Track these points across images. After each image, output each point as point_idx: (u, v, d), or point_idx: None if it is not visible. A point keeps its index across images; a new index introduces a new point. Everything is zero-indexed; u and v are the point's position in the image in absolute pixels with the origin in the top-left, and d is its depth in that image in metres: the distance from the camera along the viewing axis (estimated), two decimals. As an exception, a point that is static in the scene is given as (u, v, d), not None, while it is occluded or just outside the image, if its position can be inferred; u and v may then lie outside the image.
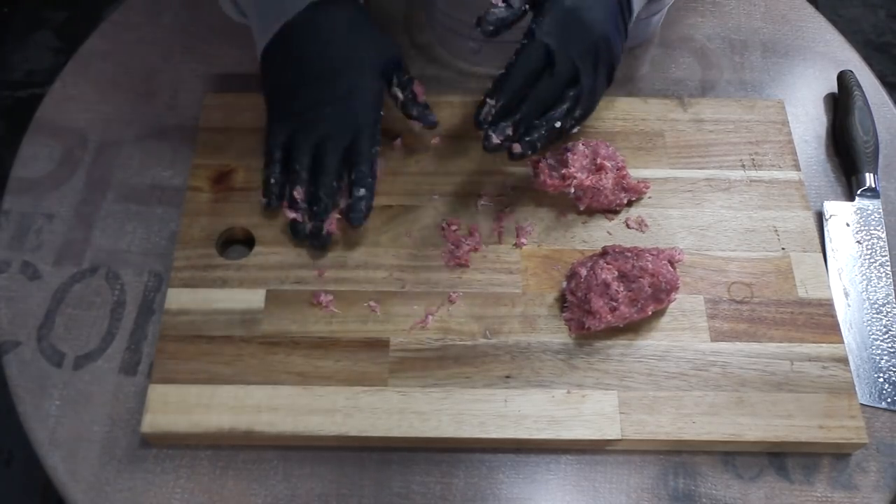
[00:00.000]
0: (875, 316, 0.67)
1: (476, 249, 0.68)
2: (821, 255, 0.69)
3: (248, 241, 0.68)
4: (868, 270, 0.69)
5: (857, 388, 0.62)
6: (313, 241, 0.66)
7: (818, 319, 0.65)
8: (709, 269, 0.67)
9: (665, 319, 0.65)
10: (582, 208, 0.70)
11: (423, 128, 0.70)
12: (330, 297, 0.64)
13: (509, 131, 0.63)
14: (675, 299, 0.64)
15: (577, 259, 0.66)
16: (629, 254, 0.64)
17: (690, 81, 0.81)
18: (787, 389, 0.62)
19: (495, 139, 0.63)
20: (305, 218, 0.67)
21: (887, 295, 0.68)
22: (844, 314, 0.67)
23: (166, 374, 0.61)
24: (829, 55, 0.84)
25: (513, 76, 0.62)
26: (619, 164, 0.70)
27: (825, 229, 0.71)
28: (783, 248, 0.69)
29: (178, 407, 0.59)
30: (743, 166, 0.73)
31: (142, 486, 0.59)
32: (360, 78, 0.65)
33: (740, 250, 0.68)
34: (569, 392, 0.61)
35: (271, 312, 0.64)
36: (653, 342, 0.64)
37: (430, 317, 0.64)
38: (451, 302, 0.65)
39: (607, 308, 0.62)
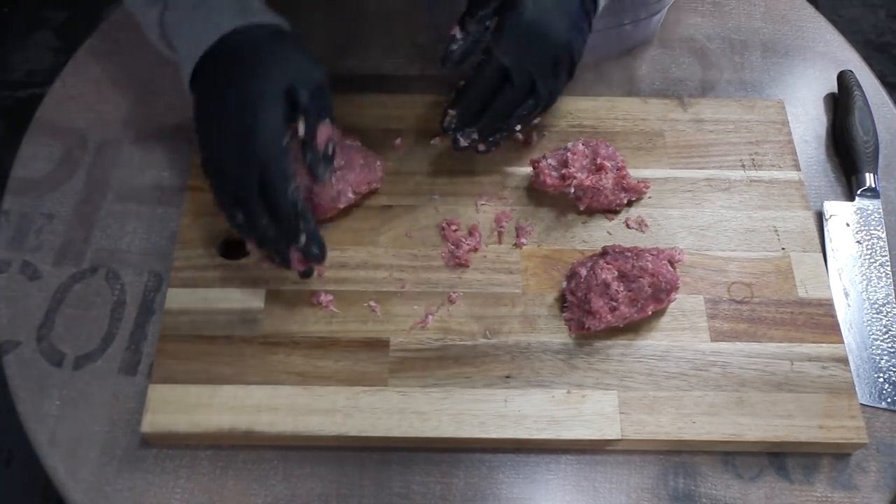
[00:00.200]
0: (875, 316, 0.67)
1: (476, 249, 0.68)
2: (821, 255, 0.69)
3: (248, 241, 0.68)
4: (868, 270, 0.69)
5: (857, 388, 0.62)
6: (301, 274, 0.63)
7: (818, 319, 0.65)
8: (709, 269, 0.67)
9: (665, 319, 0.65)
10: (582, 208, 0.70)
11: (310, 182, 0.62)
12: (330, 297, 0.64)
13: (475, 136, 0.68)
14: (675, 299, 0.64)
15: (577, 259, 0.66)
16: (629, 254, 0.64)
17: (690, 81, 0.81)
18: (787, 389, 0.62)
19: (463, 142, 0.68)
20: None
21: (887, 295, 0.68)
22: (844, 314, 0.67)
23: (166, 374, 0.61)
24: (829, 55, 0.84)
25: (470, 92, 0.66)
26: (619, 164, 0.70)
27: (825, 229, 0.71)
28: (783, 248, 0.69)
29: (178, 407, 0.59)
30: (743, 166, 0.73)
31: (142, 486, 0.59)
32: (258, 115, 0.57)
33: (740, 250, 0.68)
34: (569, 392, 0.61)
35: (271, 312, 0.64)
36: (653, 342, 0.64)
37: (430, 317, 0.64)
38: (451, 302, 0.65)
39: (607, 308, 0.62)
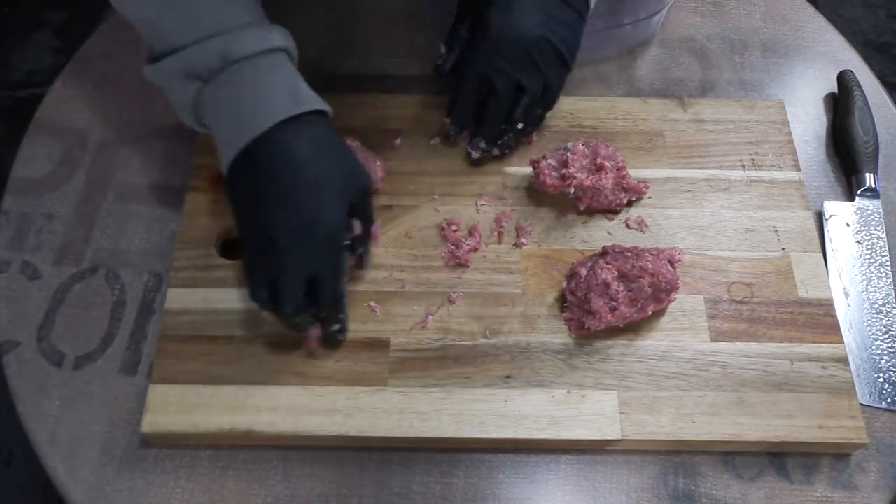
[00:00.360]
0: (875, 316, 0.67)
1: (476, 249, 0.68)
2: (821, 255, 0.69)
3: (248, 241, 0.68)
4: (868, 270, 0.69)
5: (857, 388, 0.62)
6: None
7: (818, 319, 0.65)
8: (709, 269, 0.67)
9: (665, 319, 0.65)
10: (582, 208, 0.70)
11: (353, 266, 0.65)
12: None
13: (483, 144, 0.71)
14: (675, 299, 0.64)
15: (577, 259, 0.66)
16: (629, 254, 0.64)
17: (690, 81, 0.81)
18: (787, 389, 0.62)
19: (475, 154, 0.71)
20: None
21: (887, 295, 0.68)
22: (844, 314, 0.67)
23: (166, 374, 0.61)
24: (829, 55, 0.84)
25: (460, 108, 0.70)
26: (619, 164, 0.69)
27: (825, 229, 0.71)
28: (783, 248, 0.69)
29: (178, 407, 0.59)
30: (743, 166, 0.73)
31: (142, 486, 0.59)
32: (325, 207, 0.58)
33: (740, 250, 0.68)
34: (569, 392, 0.61)
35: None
36: (653, 342, 0.64)
37: (430, 317, 0.64)
38: (451, 302, 0.65)
39: (607, 308, 0.62)
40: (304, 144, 0.58)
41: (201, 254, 0.66)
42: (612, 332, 0.64)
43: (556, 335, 0.64)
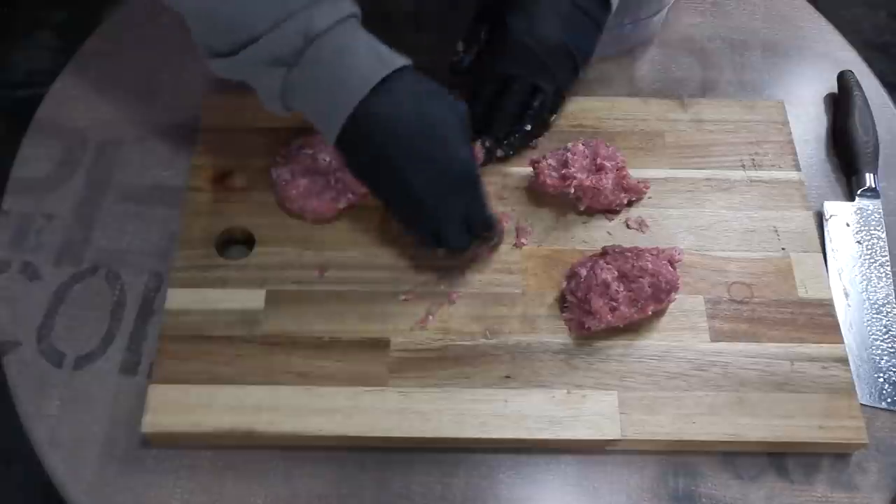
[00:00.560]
0: (875, 316, 0.67)
1: (476, 249, 0.68)
2: (821, 255, 0.69)
3: (248, 241, 0.68)
4: (868, 270, 0.69)
5: (857, 388, 0.62)
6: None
7: (818, 319, 0.65)
8: (709, 269, 0.67)
9: (665, 319, 0.65)
10: (582, 208, 0.70)
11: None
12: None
13: (488, 143, 0.71)
14: (675, 299, 0.64)
15: (577, 259, 0.66)
16: (629, 254, 0.64)
17: (690, 81, 0.81)
18: (788, 389, 0.62)
19: (479, 153, 0.70)
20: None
21: (887, 295, 0.68)
22: (844, 314, 0.67)
23: (166, 374, 0.61)
24: (829, 55, 0.84)
25: (474, 106, 0.69)
26: (619, 164, 0.69)
27: (825, 229, 0.71)
28: (783, 249, 0.69)
29: (178, 407, 0.59)
30: (743, 166, 0.73)
31: (142, 486, 0.59)
32: (451, 149, 0.60)
33: (740, 250, 0.68)
34: (569, 392, 0.61)
35: (271, 312, 0.64)
36: (653, 342, 0.64)
37: (431, 317, 0.64)
38: (451, 302, 0.65)
39: (607, 308, 0.62)
40: (405, 100, 0.59)
41: (201, 254, 0.66)
42: (612, 332, 0.64)
43: (556, 335, 0.64)
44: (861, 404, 0.62)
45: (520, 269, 0.67)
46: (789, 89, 0.82)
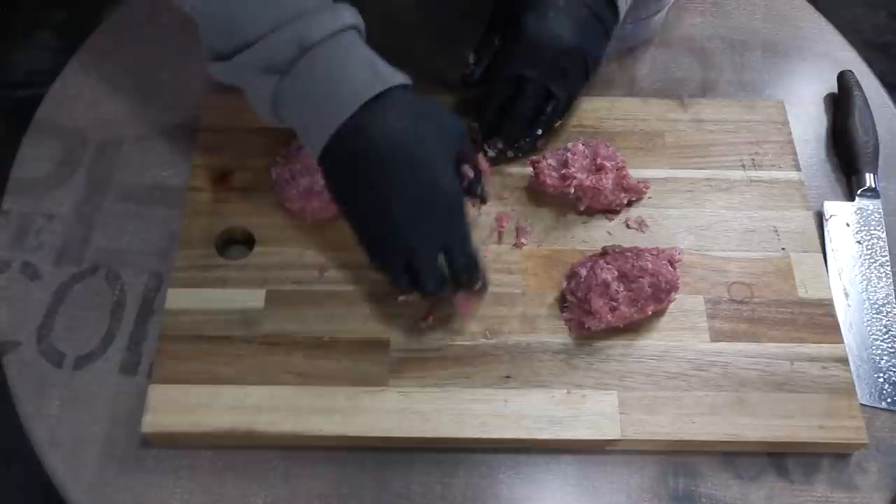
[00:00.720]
0: (875, 316, 0.67)
1: (476, 249, 0.68)
2: (821, 255, 0.69)
3: (248, 241, 0.68)
4: (868, 270, 0.69)
5: (857, 388, 0.62)
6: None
7: (818, 319, 0.65)
8: (709, 269, 0.67)
9: (665, 319, 0.65)
10: (582, 208, 0.70)
11: (476, 205, 0.67)
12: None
13: (500, 145, 0.71)
14: (675, 299, 0.64)
15: (577, 259, 0.66)
16: (629, 254, 0.64)
17: (690, 81, 0.81)
18: (788, 389, 0.62)
19: (491, 153, 0.71)
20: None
21: (887, 295, 0.68)
22: (844, 314, 0.67)
23: (166, 374, 0.61)
24: (829, 55, 0.84)
25: (487, 109, 0.70)
26: (619, 164, 0.70)
27: (825, 229, 0.71)
28: (783, 249, 0.69)
29: (178, 407, 0.59)
30: (743, 166, 0.73)
31: (142, 486, 0.59)
32: (437, 177, 0.57)
33: (740, 250, 0.68)
34: (569, 392, 0.61)
35: (271, 312, 0.64)
36: (653, 342, 0.64)
37: (431, 317, 0.64)
38: (451, 302, 0.65)
39: (607, 308, 0.62)
40: (396, 120, 0.56)
41: (201, 254, 0.66)
42: (612, 332, 0.64)
43: (556, 335, 0.64)
44: (861, 404, 0.62)
45: (520, 269, 0.67)
46: (789, 89, 0.82)
